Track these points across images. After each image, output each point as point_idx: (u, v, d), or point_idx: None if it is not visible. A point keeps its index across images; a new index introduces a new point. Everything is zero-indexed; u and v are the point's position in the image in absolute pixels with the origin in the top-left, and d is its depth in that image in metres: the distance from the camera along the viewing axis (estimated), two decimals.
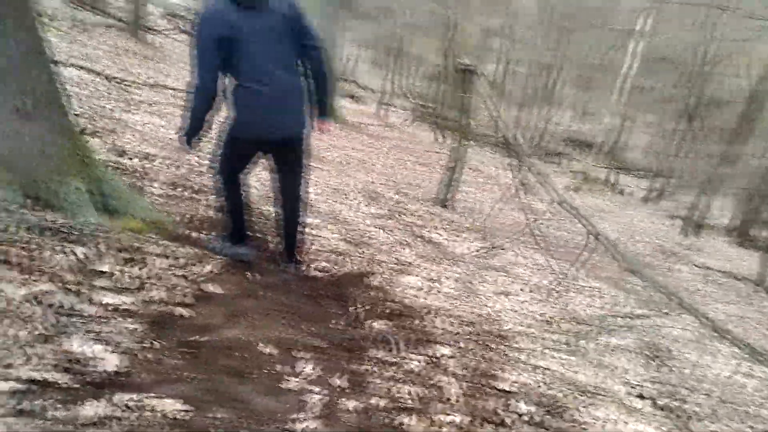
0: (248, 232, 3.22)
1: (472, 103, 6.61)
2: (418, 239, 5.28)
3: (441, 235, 5.71)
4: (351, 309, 2.87)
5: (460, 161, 6.86)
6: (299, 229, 3.22)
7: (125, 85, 7.01)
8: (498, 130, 5.71)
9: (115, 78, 7.05)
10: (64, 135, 2.71)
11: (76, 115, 4.60)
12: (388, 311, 2.81)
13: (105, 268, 2.35)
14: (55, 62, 6.68)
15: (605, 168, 21.80)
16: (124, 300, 2.21)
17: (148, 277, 2.45)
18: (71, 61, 7.04)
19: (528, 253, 6.59)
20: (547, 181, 5.18)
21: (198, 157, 4.82)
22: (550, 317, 4.40)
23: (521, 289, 4.78)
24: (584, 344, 4.12)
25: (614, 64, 22.74)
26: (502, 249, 6.11)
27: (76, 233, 2.55)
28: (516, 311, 4.19)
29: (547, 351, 3.73)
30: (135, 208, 3.12)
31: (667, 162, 19.96)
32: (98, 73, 6.97)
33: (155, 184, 3.80)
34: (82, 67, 6.97)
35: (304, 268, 3.29)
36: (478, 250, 5.63)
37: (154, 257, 2.61)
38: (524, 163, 5.20)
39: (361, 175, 7.32)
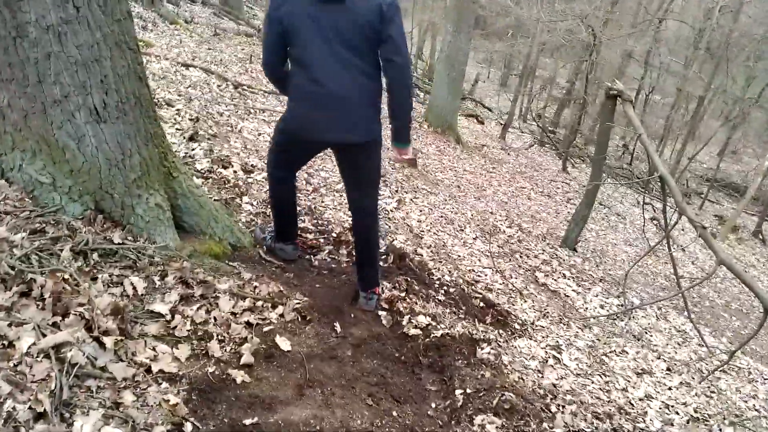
0: (298, 232, 3.07)
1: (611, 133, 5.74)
2: (541, 288, 4.51)
3: (567, 285, 4.89)
4: (457, 392, 2.24)
5: (592, 198, 5.95)
6: (371, 252, 2.75)
7: (250, 91, 6.95)
8: (651, 166, 4.81)
9: (242, 85, 7.01)
10: (150, 142, 2.37)
11: (191, 119, 4.43)
12: (504, 404, 2.14)
13: (160, 308, 1.94)
14: (186, 65, 6.74)
15: (754, 215, 19.15)
16: (170, 356, 1.76)
17: (209, 323, 2.01)
18: (202, 65, 7.12)
19: (670, 316, 5.54)
20: (707, 235, 4.20)
21: (306, 173, 4.46)
22: (705, 413, 3.46)
23: (666, 369, 3.85)
24: None
25: None
26: (641, 309, 5.15)
27: (144, 258, 2.18)
28: (661, 400, 3.31)
29: None
30: (218, 228, 2.74)
31: None
32: (226, 79, 6.97)
33: (252, 201, 3.44)
34: (211, 72, 7.01)
35: (375, 301, 2.76)
36: (610, 310, 4.74)
37: (223, 295, 2.17)
38: (681, 210, 4.26)
39: (477, 204, 6.64)
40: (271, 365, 1.98)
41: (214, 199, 3.18)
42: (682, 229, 12.53)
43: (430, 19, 23.06)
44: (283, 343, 2.09)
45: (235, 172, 3.71)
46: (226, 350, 1.93)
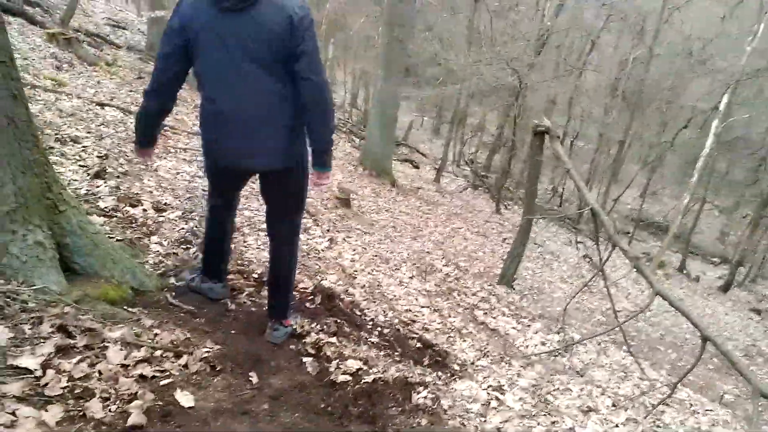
0: (227, 270, 2.81)
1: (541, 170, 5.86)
2: (480, 327, 4.34)
3: (507, 322, 4.74)
4: None
5: (527, 235, 5.93)
6: (283, 281, 2.55)
7: (172, 132, 6.60)
8: (581, 201, 4.83)
9: (164, 125, 6.66)
10: (28, 171, 2.04)
11: (99, 157, 4.05)
12: None
13: (28, 363, 1.59)
14: (102, 104, 6.33)
15: (677, 252, 20.19)
16: (34, 420, 1.42)
17: (91, 378, 1.66)
18: (120, 105, 6.73)
19: (609, 351, 5.48)
20: (641, 266, 4.19)
21: None
22: None
23: (612, 405, 3.71)
24: None
25: (685, 144, 21.50)
26: (581, 344, 5.05)
27: (15, 304, 1.82)
28: None
29: None
30: (116, 270, 2.39)
31: (744, 250, 18.21)
32: None
33: (163, 240, 3.10)
34: (130, 112, 6.63)
35: (283, 333, 2.55)
36: (551, 347, 4.61)
37: (113, 345, 1.83)
38: (614, 241, 4.24)
39: (413, 244, 6.49)
40: (166, 425, 1.65)
41: (117, 239, 2.84)
42: (614, 266, 12.90)
43: (363, 68, 23.55)
44: (184, 398, 1.77)
45: (144, 210, 3.36)
46: (110, 410, 1.59)
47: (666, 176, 25.76)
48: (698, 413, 4.80)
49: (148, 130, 2.35)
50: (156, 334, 2.06)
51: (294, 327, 2.66)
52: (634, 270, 4.60)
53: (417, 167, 15.89)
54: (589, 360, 4.76)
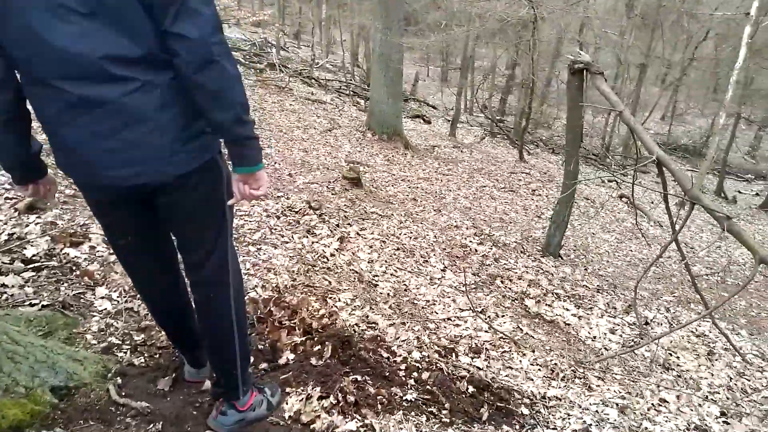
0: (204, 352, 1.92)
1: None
2: (535, 323, 3.53)
3: (565, 308, 3.92)
4: None
5: (571, 197, 5.02)
6: (219, 344, 1.68)
7: None
8: (638, 145, 3.94)
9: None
10: None
11: None
12: None
13: None
14: None
15: (708, 174, 18.97)
16: None
17: None
18: None
19: (682, 318, 4.64)
20: (736, 229, 3.30)
21: None
22: None
23: (721, 415, 2.90)
24: None
25: (706, 58, 19.93)
26: (653, 320, 4.23)
27: None
28: None
29: None
30: (20, 371, 1.61)
31: None
32: None
33: (113, 291, 2.32)
34: None
35: (234, 420, 1.75)
36: (623, 335, 3.80)
37: None
38: (694, 198, 3.34)
39: (439, 218, 5.65)
40: None
41: (42, 305, 2.06)
42: (652, 203, 11.92)
43: (360, 23, 22.20)
44: None
45: (91, 248, 2.57)
46: None
47: (689, 96, 24.33)
48: None
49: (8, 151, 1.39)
50: None
51: (263, 404, 1.84)
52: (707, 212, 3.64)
53: (429, 122, 14.87)
54: (669, 342, 3.94)
